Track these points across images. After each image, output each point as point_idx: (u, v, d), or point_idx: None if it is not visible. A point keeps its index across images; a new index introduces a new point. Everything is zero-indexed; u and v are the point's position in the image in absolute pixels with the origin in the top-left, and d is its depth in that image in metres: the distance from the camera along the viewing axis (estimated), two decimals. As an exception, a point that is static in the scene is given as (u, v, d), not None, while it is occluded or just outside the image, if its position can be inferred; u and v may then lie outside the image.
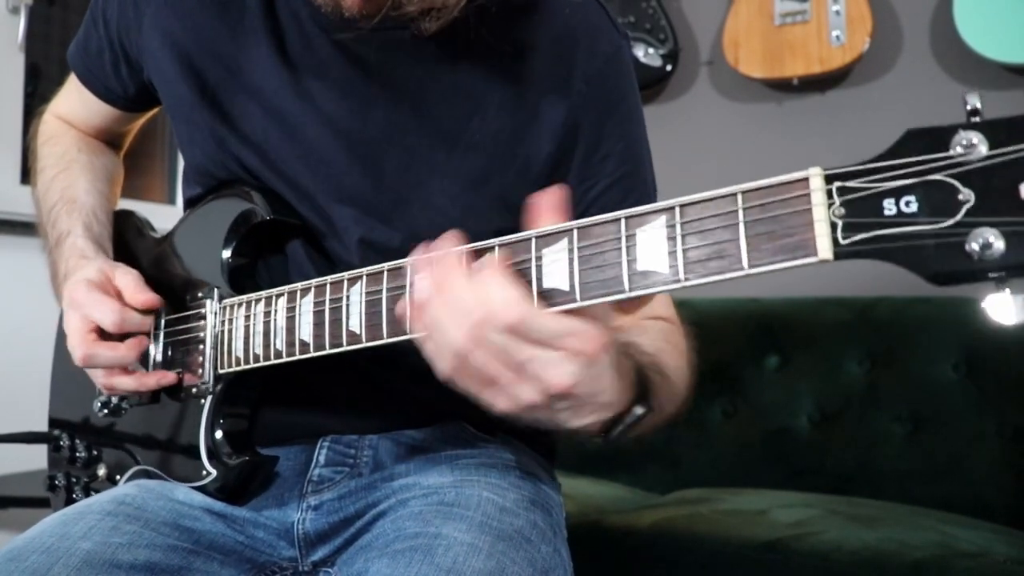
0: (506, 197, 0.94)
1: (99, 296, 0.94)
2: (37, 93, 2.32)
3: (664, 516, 1.58)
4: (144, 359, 1.01)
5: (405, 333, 0.76)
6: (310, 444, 1.00)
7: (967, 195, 0.52)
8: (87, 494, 1.09)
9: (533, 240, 0.70)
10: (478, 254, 0.71)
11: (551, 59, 0.96)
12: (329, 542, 0.95)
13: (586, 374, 0.66)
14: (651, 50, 2.53)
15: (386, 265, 0.79)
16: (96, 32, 1.09)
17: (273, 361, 0.89)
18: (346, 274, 0.82)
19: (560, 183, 0.74)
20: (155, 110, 1.20)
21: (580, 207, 0.96)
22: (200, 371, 0.96)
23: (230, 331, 0.94)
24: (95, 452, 1.10)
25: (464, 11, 0.87)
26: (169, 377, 0.98)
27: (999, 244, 0.51)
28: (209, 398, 0.95)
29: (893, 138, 0.55)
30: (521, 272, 0.69)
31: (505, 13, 0.94)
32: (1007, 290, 0.53)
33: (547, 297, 0.68)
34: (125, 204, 1.21)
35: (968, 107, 0.54)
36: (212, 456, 0.94)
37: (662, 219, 0.63)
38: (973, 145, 0.52)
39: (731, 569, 1.40)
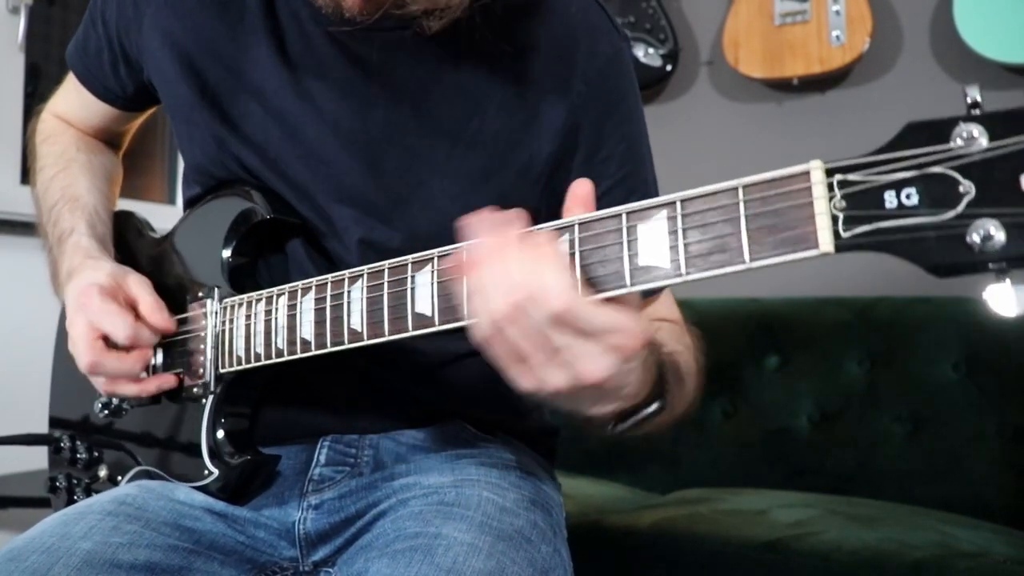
0: (506, 197, 0.93)
1: (113, 307, 0.94)
2: (37, 93, 2.32)
3: (664, 516, 1.58)
4: (145, 360, 1.01)
5: (407, 330, 0.76)
6: (311, 444, 1.00)
7: (968, 187, 0.52)
8: (88, 495, 1.09)
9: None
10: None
11: (552, 60, 0.96)
12: (330, 542, 0.95)
13: (621, 369, 0.65)
14: (651, 50, 2.53)
15: (387, 263, 0.79)
16: (95, 32, 1.09)
17: (275, 360, 0.89)
18: (347, 272, 0.83)
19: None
20: (153, 109, 1.20)
21: None
22: (201, 371, 0.96)
23: (231, 330, 0.94)
24: (96, 453, 1.10)
25: (466, 11, 0.87)
26: (170, 381, 0.98)
27: (1000, 235, 0.51)
28: (210, 398, 0.95)
29: (893, 138, 0.56)
30: None
31: (506, 13, 0.94)
32: (1008, 281, 0.53)
33: None
34: (125, 204, 1.21)
35: (968, 100, 0.54)
36: (214, 456, 0.94)
37: (663, 213, 0.64)
38: (973, 137, 0.52)
39: (731, 569, 1.40)
